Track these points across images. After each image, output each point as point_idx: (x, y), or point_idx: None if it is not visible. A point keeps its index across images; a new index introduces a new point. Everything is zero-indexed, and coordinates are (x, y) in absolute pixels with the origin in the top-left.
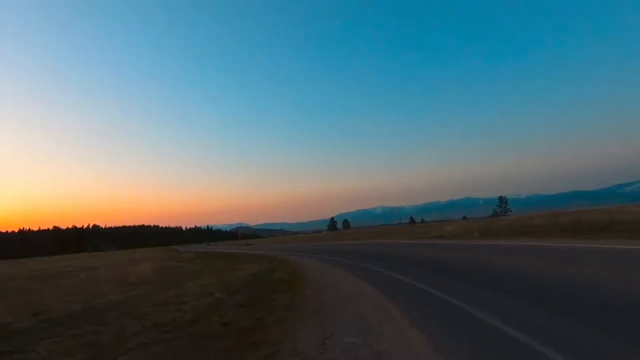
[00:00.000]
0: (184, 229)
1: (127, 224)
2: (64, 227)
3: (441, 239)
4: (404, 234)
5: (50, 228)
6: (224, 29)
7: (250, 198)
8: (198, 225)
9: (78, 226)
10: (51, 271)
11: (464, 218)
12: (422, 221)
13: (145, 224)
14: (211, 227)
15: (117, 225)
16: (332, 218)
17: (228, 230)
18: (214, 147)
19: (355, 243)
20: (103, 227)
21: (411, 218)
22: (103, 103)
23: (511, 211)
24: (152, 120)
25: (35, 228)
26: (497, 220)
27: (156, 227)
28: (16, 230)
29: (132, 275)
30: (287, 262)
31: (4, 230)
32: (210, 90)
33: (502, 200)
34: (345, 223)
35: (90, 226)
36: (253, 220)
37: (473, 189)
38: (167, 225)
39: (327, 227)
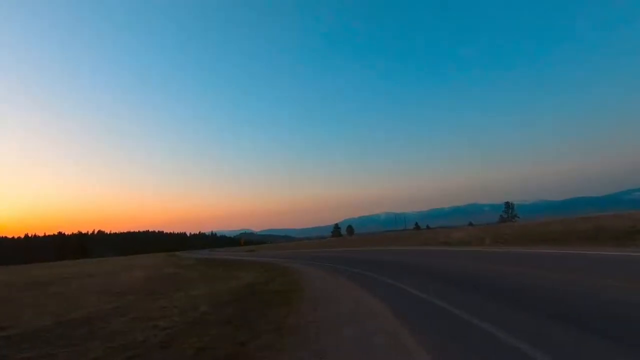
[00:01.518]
0: (188, 235)
1: (132, 230)
2: (69, 233)
3: (450, 245)
4: (410, 241)
5: (55, 234)
6: (230, 37)
7: (255, 204)
8: (202, 231)
9: (83, 232)
10: (46, 279)
11: (470, 224)
12: (428, 227)
13: (150, 230)
14: (215, 233)
15: (122, 231)
16: (336, 224)
17: (232, 236)
18: (219, 153)
19: (359, 250)
20: (108, 232)
21: (416, 224)
22: (109, 109)
23: (518, 217)
24: (158, 127)
25: (40, 234)
26: (508, 227)
27: (161, 233)
28: (22, 236)
29: (123, 284)
30: (286, 271)
31: (10, 236)
32: (216, 97)
33: (508, 206)
34: (349, 229)
35: (95, 232)
36: (257, 226)
37: (478, 195)
38: (172, 231)
39: (331, 234)
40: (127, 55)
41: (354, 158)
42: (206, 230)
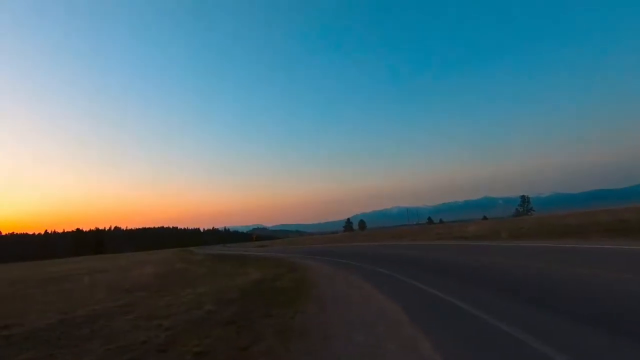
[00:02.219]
0: (202, 230)
1: (147, 226)
2: (86, 229)
3: (465, 240)
4: (423, 235)
5: (73, 230)
6: (239, 33)
7: (268, 199)
8: (216, 227)
9: (100, 228)
10: (59, 275)
11: (484, 218)
12: (441, 221)
13: (165, 226)
14: (228, 229)
15: (138, 227)
16: (348, 219)
17: (245, 231)
18: (233, 149)
19: (372, 245)
20: (124, 228)
21: (429, 218)
22: (127, 108)
23: (534, 211)
24: (172, 125)
25: (60, 230)
26: (524, 220)
27: (175, 228)
28: (41, 233)
29: (133, 280)
30: (296, 267)
31: (30, 232)
32: (230, 92)
33: (524, 199)
34: (362, 224)
35: (112, 228)
36: (270, 221)
37: (491, 189)
38: (186, 227)
39: (343, 228)
40: (143, 53)
41: (366, 153)
42: (220, 225)
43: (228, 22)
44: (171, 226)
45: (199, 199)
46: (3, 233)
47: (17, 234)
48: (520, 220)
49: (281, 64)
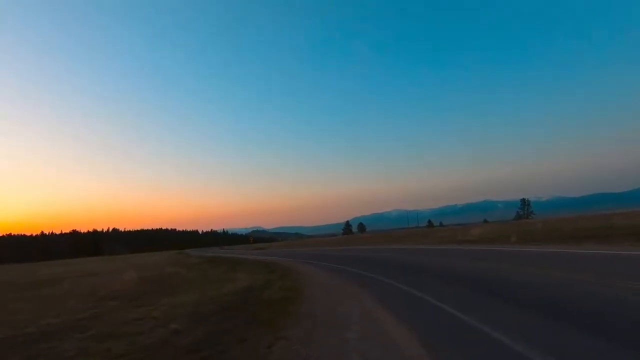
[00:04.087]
0: (200, 232)
1: (145, 228)
2: (84, 230)
3: (472, 243)
4: (425, 239)
5: (70, 231)
6: (245, 36)
7: (267, 202)
8: (214, 229)
9: (98, 229)
10: (49, 277)
11: (485, 221)
12: (441, 225)
13: (163, 228)
14: (227, 231)
15: (136, 229)
16: (347, 222)
17: (244, 234)
18: (231, 151)
19: (372, 248)
20: (122, 230)
21: (429, 221)
22: (123, 109)
23: (534, 214)
24: (170, 126)
25: (57, 231)
26: (531, 223)
27: (173, 230)
28: (38, 234)
29: (115, 286)
30: (289, 272)
31: (28, 234)
32: (227, 95)
33: (524, 202)
34: (361, 226)
35: (110, 230)
36: (269, 223)
37: (491, 192)
38: (184, 229)
39: (342, 231)
40: (136, 53)
41: (365, 155)
42: (218, 227)
43: (229, 24)
44: (169, 228)
45: (198, 201)
46: (0, 235)
47: (14, 235)
48: (527, 224)
49: (281, 66)
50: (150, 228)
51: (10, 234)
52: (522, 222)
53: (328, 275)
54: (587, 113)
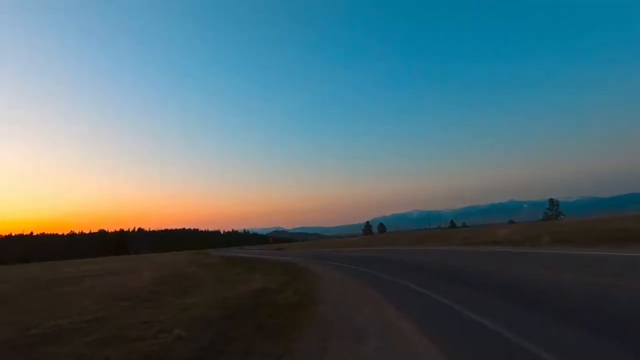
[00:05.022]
0: (222, 232)
1: (169, 228)
2: (111, 230)
3: (499, 245)
4: (447, 240)
5: (97, 231)
6: (265, 36)
7: (288, 202)
8: (235, 229)
9: (124, 229)
10: (72, 275)
11: (511, 222)
12: (464, 225)
13: (186, 228)
14: (248, 231)
15: (160, 229)
16: (368, 222)
17: (265, 234)
18: (255, 153)
19: (393, 249)
20: (147, 230)
21: (452, 222)
22: (149, 111)
23: (563, 215)
24: (195, 128)
25: (86, 231)
26: (562, 224)
27: (196, 230)
28: (67, 233)
29: (131, 285)
30: (305, 274)
31: (60, 233)
32: (249, 97)
33: (552, 203)
34: (381, 227)
35: (135, 229)
36: (289, 224)
37: (516, 192)
38: (207, 229)
39: (362, 232)
40: (165, 53)
41: (385, 155)
42: (239, 228)
43: (259, 26)
44: (192, 228)
45: (221, 201)
46: (35, 233)
47: (45, 234)
48: (557, 225)
49: (299, 66)
50: (174, 228)
51: (44, 233)
52: (551, 223)
53: (346, 278)
54: (617, 111)
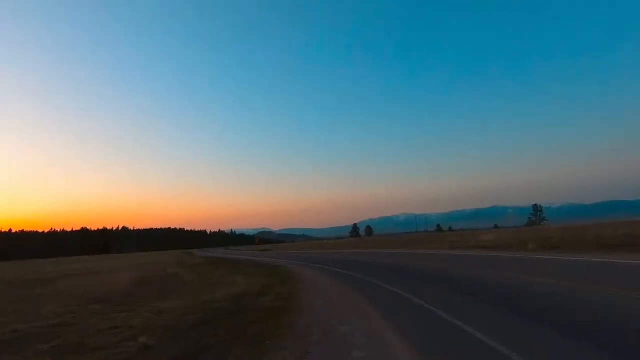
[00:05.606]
0: (208, 232)
1: (154, 227)
2: (94, 228)
3: (486, 250)
4: (435, 243)
5: (80, 229)
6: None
7: (275, 203)
8: (222, 230)
9: (108, 228)
10: (48, 276)
11: (496, 227)
12: (450, 229)
13: (172, 227)
14: (235, 232)
15: (145, 228)
16: (355, 224)
17: (252, 235)
18: (240, 153)
19: (380, 253)
20: (131, 229)
21: (438, 226)
22: (134, 108)
23: (547, 220)
24: (180, 126)
25: (68, 229)
26: (547, 230)
27: (182, 230)
28: (48, 231)
29: (106, 287)
30: (290, 277)
31: (40, 230)
32: (238, 95)
33: (536, 208)
34: (368, 229)
35: (120, 228)
36: (276, 225)
37: (500, 197)
38: (193, 229)
39: (349, 234)
40: (153, 53)
41: (373, 159)
42: (226, 228)
43: (252, 24)
44: (178, 227)
45: (207, 201)
46: (14, 231)
47: (26, 231)
48: (542, 230)
49: (287, 67)
50: (159, 227)
51: (24, 230)
52: (536, 228)
53: (332, 282)
54: (599, 119)
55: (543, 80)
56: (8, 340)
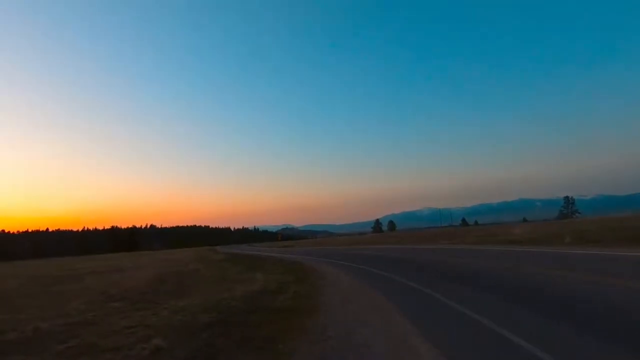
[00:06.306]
0: (232, 229)
1: (181, 224)
2: (123, 226)
3: (518, 245)
4: (460, 238)
5: (109, 227)
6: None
7: (298, 200)
8: (246, 226)
9: (136, 226)
10: (76, 272)
11: (525, 220)
12: (476, 223)
13: (197, 224)
14: (258, 228)
15: (172, 226)
16: (377, 220)
17: (274, 231)
18: (265, 150)
19: (404, 248)
20: (158, 226)
21: (463, 220)
22: (161, 110)
23: (579, 213)
24: (206, 125)
25: (99, 227)
26: (581, 223)
27: (207, 227)
28: (80, 229)
29: (130, 283)
30: (309, 274)
31: (74, 229)
32: (261, 93)
33: (567, 200)
34: (391, 224)
35: (147, 226)
36: (299, 221)
37: (527, 190)
38: (217, 226)
39: (371, 229)
40: (178, 52)
41: (396, 153)
42: (250, 225)
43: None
44: (203, 225)
45: (232, 198)
46: (51, 230)
47: (58, 230)
48: (576, 223)
49: (308, 66)
50: (185, 225)
51: (59, 229)
52: (569, 221)
53: (352, 280)
54: (629, 106)
55: (570, 71)
56: (26, 339)
